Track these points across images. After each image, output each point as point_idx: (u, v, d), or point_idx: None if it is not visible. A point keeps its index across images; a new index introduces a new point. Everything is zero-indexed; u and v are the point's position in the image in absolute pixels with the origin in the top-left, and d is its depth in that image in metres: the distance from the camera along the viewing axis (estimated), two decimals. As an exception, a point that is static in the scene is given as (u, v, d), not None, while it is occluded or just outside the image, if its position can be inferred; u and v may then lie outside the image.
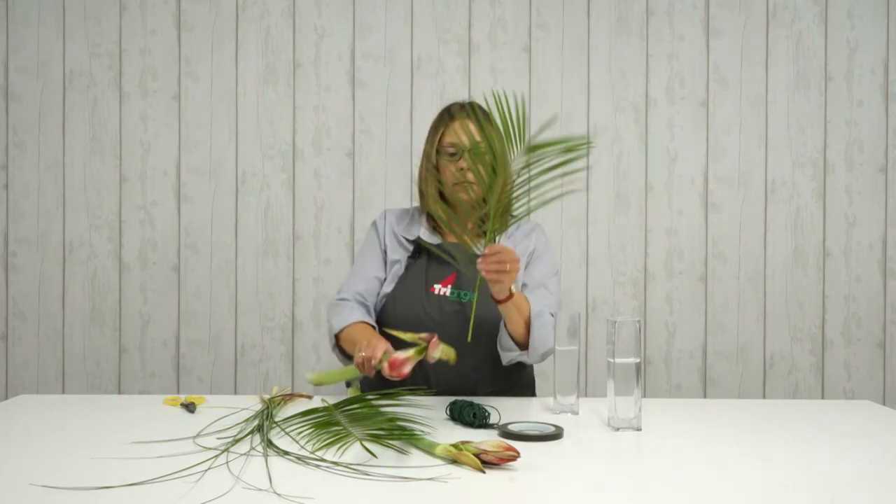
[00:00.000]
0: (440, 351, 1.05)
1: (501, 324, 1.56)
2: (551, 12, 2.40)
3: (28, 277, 2.41)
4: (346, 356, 1.62)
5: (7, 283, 2.41)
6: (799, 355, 2.40)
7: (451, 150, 1.62)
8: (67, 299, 2.41)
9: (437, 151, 1.64)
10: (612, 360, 1.28)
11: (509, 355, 1.58)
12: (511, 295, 1.46)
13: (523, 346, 1.55)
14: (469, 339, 1.48)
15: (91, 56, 2.40)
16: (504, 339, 1.57)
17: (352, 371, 1.46)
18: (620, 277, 2.40)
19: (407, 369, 1.03)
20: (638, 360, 1.28)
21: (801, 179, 2.40)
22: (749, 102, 2.40)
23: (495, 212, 1.42)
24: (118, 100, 2.40)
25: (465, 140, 1.61)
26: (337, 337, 1.62)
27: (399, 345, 1.55)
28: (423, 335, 1.33)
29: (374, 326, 1.61)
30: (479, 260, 1.41)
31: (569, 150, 1.38)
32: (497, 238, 1.45)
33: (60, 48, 2.40)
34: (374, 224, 1.74)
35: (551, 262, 1.70)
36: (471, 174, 1.60)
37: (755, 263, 2.40)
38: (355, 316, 1.61)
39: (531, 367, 1.74)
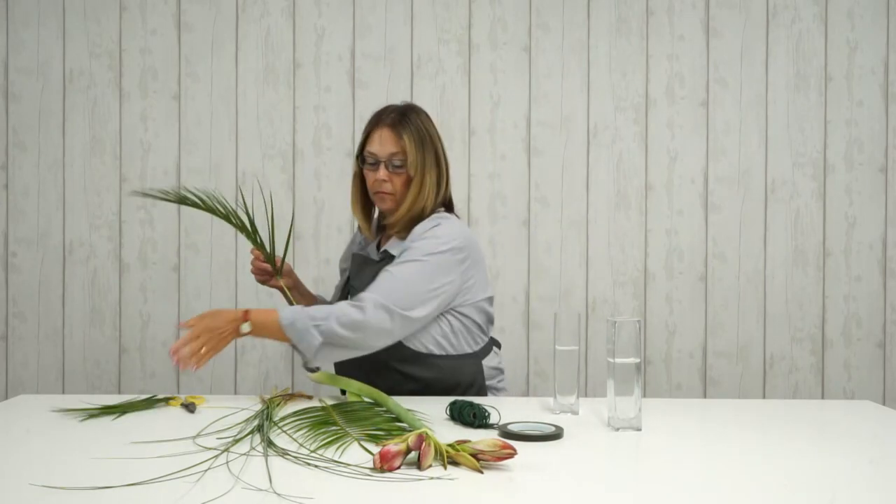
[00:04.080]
0: (431, 458, 1.05)
1: None
2: (551, 12, 2.40)
3: (28, 277, 2.41)
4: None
5: (7, 283, 2.41)
6: (799, 355, 2.40)
7: (371, 159, 1.65)
8: (67, 299, 2.41)
9: (360, 158, 1.68)
10: (612, 360, 1.28)
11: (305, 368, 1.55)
12: (242, 334, 1.47)
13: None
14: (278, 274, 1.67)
15: (91, 56, 2.40)
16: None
17: (354, 384, 1.45)
18: (620, 277, 2.40)
19: (398, 462, 1.02)
20: (638, 360, 1.28)
21: (801, 179, 2.40)
22: (749, 102, 2.40)
23: None
24: (118, 100, 2.40)
25: (380, 149, 1.63)
26: None
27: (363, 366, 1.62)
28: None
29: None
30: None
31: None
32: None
33: (60, 48, 2.40)
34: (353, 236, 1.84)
35: (413, 249, 1.57)
36: (387, 185, 1.63)
37: (755, 263, 2.40)
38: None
39: (458, 367, 1.64)
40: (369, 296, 1.51)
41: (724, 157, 2.40)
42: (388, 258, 1.64)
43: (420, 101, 2.38)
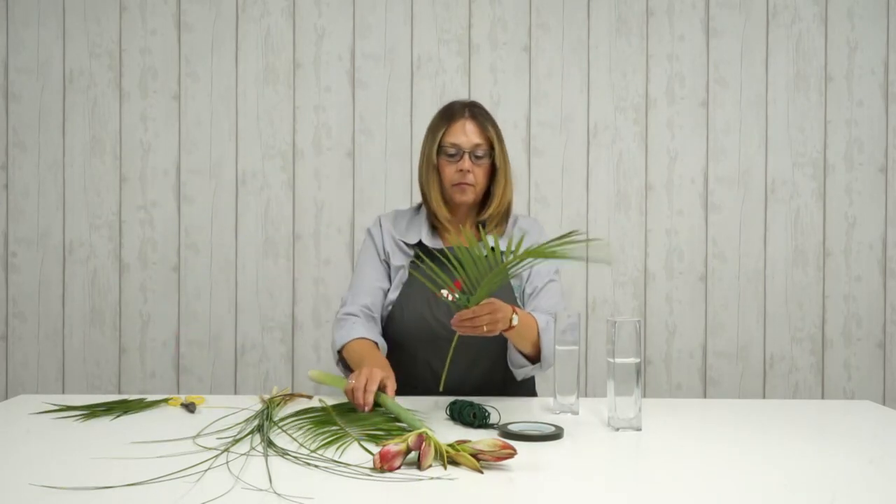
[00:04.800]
0: (431, 458, 1.05)
1: (509, 342, 1.55)
2: (551, 12, 2.40)
3: (28, 277, 2.41)
4: (350, 370, 1.59)
5: (7, 283, 2.41)
6: (799, 355, 2.40)
7: (452, 150, 1.62)
8: (67, 299, 2.41)
9: (437, 151, 1.64)
10: (612, 360, 1.28)
11: (522, 371, 1.57)
12: (511, 327, 1.44)
13: (535, 360, 1.56)
14: (441, 388, 1.47)
15: (91, 56, 2.40)
16: (514, 357, 1.56)
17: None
18: (620, 277, 2.40)
19: (398, 463, 1.02)
20: (638, 360, 1.28)
21: (801, 179, 2.40)
22: (749, 102, 2.40)
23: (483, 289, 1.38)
24: (118, 100, 2.40)
25: (465, 140, 1.61)
26: (340, 353, 1.60)
27: (401, 364, 1.57)
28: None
29: (376, 343, 1.57)
30: (456, 321, 1.38)
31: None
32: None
33: (60, 48, 2.40)
34: (370, 232, 1.72)
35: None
36: (470, 175, 1.61)
37: (755, 263, 2.40)
38: (358, 331, 1.57)
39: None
40: None
41: (724, 157, 2.40)
42: None
43: (420, 101, 2.38)
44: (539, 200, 2.40)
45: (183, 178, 2.40)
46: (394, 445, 1.02)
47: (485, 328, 1.37)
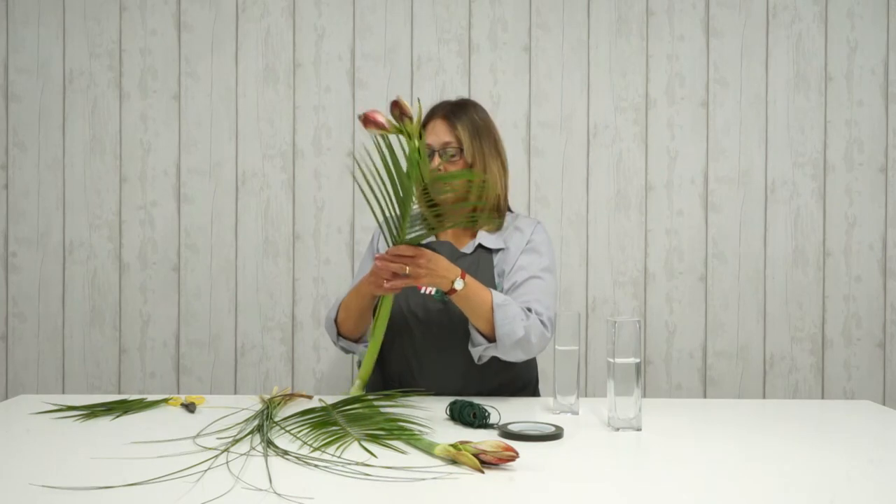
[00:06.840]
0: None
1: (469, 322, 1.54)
2: (551, 12, 2.40)
3: (28, 277, 2.41)
4: (351, 340, 1.64)
5: (7, 283, 2.41)
6: (799, 355, 2.40)
7: (428, 150, 1.63)
8: (67, 299, 2.41)
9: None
10: (612, 360, 1.28)
11: (477, 350, 1.54)
12: (454, 290, 1.45)
13: (492, 338, 1.52)
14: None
15: (91, 56, 2.40)
16: (471, 333, 1.54)
17: (374, 345, 1.50)
18: (620, 277, 2.40)
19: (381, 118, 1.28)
20: (638, 360, 1.28)
21: (801, 179, 2.40)
22: (749, 102, 2.40)
23: (404, 219, 1.43)
24: (118, 100, 2.40)
25: (435, 139, 1.64)
26: (337, 323, 1.64)
27: (379, 359, 1.63)
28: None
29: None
30: (384, 258, 1.44)
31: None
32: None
33: (60, 48, 2.40)
34: (373, 233, 1.77)
35: (545, 257, 1.66)
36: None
37: (755, 263, 2.40)
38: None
39: (529, 365, 1.71)
40: (547, 313, 1.55)
41: (724, 157, 2.40)
42: (481, 251, 1.65)
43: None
44: (539, 200, 2.40)
45: (183, 178, 2.40)
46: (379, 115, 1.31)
47: (407, 269, 1.41)
